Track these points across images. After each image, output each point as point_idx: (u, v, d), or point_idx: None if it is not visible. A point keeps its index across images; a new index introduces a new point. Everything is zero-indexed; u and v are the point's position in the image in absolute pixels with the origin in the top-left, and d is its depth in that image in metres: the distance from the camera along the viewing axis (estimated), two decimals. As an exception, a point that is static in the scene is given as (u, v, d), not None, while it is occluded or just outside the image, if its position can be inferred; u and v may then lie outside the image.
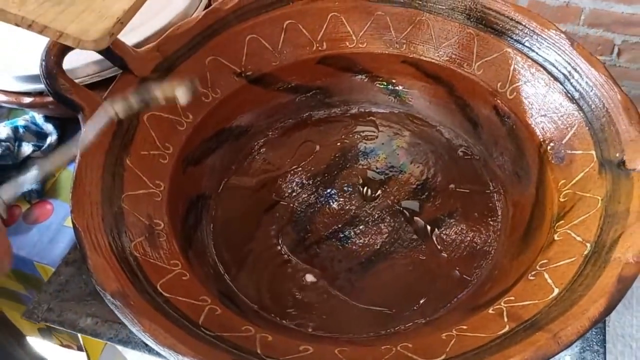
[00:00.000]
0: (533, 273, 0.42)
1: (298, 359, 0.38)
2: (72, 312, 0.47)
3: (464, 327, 0.40)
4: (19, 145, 0.63)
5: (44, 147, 0.64)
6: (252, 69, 0.57)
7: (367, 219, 0.53)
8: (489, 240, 0.51)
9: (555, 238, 0.43)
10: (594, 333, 0.44)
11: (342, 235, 0.52)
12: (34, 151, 0.63)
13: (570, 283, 0.39)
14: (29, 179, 0.62)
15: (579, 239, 0.42)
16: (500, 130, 0.55)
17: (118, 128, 0.49)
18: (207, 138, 0.56)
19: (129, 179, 0.47)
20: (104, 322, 0.46)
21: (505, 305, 0.40)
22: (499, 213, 0.53)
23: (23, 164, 0.63)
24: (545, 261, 0.42)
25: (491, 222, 0.52)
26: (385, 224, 0.53)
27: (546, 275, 0.41)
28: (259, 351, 0.38)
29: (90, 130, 0.43)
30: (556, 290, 0.39)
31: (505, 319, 0.39)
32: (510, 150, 0.54)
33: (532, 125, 0.51)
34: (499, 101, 0.54)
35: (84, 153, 0.46)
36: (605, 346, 0.43)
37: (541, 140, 0.50)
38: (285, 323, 0.47)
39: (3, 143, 0.62)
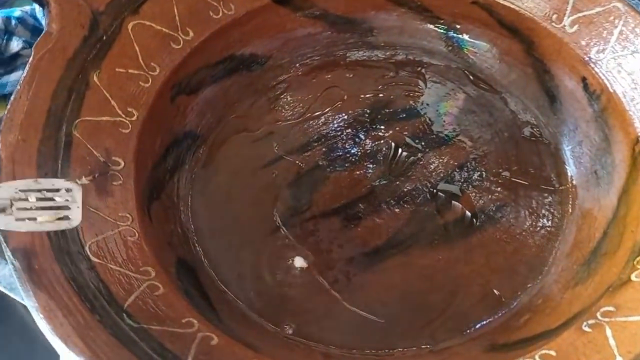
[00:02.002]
0: (590, 322, 0.30)
1: (237, 382, 0.28)
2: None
3: (477, 379, 0.29)
4: (8, 39, 0.54)
5: (35, 46, 0.54)
6: (280, -16, 0.45)
7: (387, 197, 0.41)
8: (540, 255, 0.38)
9: (633, 278, 0.31)
10: None
11: (350, 213, 0.41)
12: (23, 48, 0.54)
13: (642, 355, 0.27)
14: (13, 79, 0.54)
15: (668, 287, 0.29)
16: (585, 111, 0.42)
17: (90, 33, 0.38)
18: (210, 64, 0.45)
19: (91, 100, 0.37)
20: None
21: (542, 361, 0.29)
22: (562, 221, 0.40)
23: (11, 62, 0.55)
24: (611, 309, 0.30)
25: (547, 231, 0.39)
26: (409, 208, 0.41)
27: (608, 332, 0.29)
28: (189, 360, 0.29)
29: None
30: (619, 360, 0.27)
31: (537, 385, 0.27)
32: (594, 140, 0.41)
33: (631, 113, 0.38)
34: (590, 72, 0.41)
35: (37, 59, 0.36)
36: None
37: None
38: (255, 317, 0.37)
39: (-11, 34, 0.53)
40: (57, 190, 0.31)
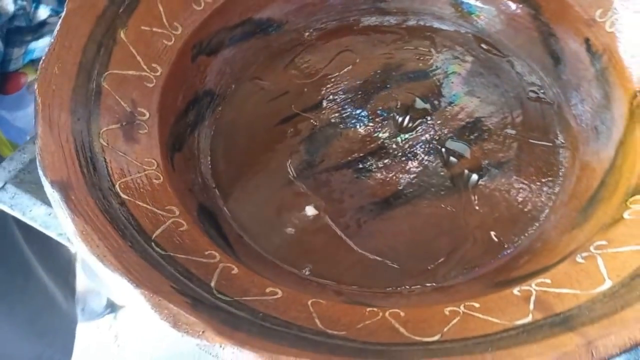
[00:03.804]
0: (584, 255, 0.32)
1: (256, 303, 0.31)
2: (27, 197, 0.41)
3: (476, 304, 0.31)
4: (37, 7, 0.57)
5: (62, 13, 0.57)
6: (297, -50, 0.48)
7: (396, 152, 0.44)
8: (541, 205, 0.40)
9: (625, 216, 0.33)
10: (648, 348, 0.34)
11: (361, 166, 0.43)
12: (50, 16, 0.57)
13: (629, 277, 0.29)
14: (41, 45, 0.57)
15: (657, 222, 0.31)
16: (588, 71, 0.43)
17: (118, -7, 0.41)
18: (229, 26, 0.47)
19: (118, 55, 0.40)
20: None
21: (537, 288, 0.31)
22: (562, 173, 0.42)
23: (38, 29, 0.57)
24: (603, 242, 0.32)
25: (549, 183, 0.41)
26: (417, 162, 0.43)
27: (600, 261, 0.31)
28: (212, 284, 0.31)
29: None
30: (608, 283, 0.29)
31: (531, 306, 0.29)
32: (595, 98, 0.43)
33: (630, 69, 0.40)
34: (593, 34, 0.42)
35: (68, 14, 0.39)
36: (660, 367, 0.33)
37: (637, 89, 0.39)
38: (271, 259, 0.39)
39: (19, 1, 0.56)
40: None
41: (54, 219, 0.40)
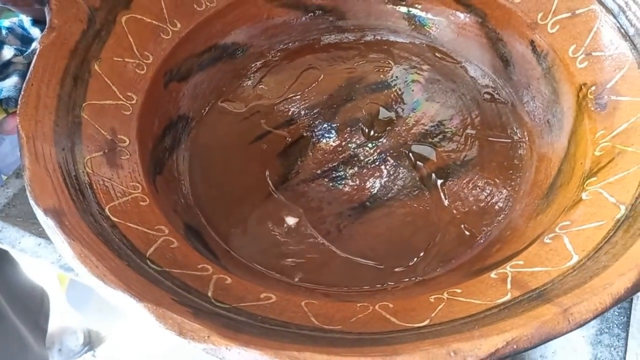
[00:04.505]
0: (550, 236, 0.35)
1: (253, 307, 0.32)
2: (14, 229, 0.42)
3: (458, 290, 0.33)
4: (0, 48, 0.57)
5: (27, 52, 0.58)
6: (256, -23, 0.50)
7: (366, 159, 0.46)
8: (505, 196, 0.43)
9: (584, 197, 0.36)
10: (616, 313, 0.37)
11: (335, 175, 0.45)
12: (15, 55, 0.57)
13: (594, 250, 0.32)
14: (7, 84, 0.57)
15: (612, 199, 0.34)
16: (535, 70, 0.47)
17: (89, 27, 0.42)
18: (196, 52, 0.49)
19: (94, 87, 0.41)
20: (47, 244, 0.41)
21: (512, 269, 0.33)
22: (521, 166, 0.45)
23: (3, 69, 0.58)
24: (567, 223, 0.35)
25: (511, 176, 0.44)
26: (387, 167, 0.46)
27: (566, 240, 0.34)
28: (209, 294, 0.33)
29: None
30: (575, 258, 0.32)
31: (509, 286, 0.32)
32: (544, 94, 0.46)
33: (573, 65, 0.43)
34: (537, 36, 0.46)
35: (43, 50, 0.40)
36: (628, 330, 0.36)
37: (582, 83, 0.42)
38: (260, 269, 0.41)
39: (-18, 44, 0.56)
40: None
41: (44, 248, 0.41)
